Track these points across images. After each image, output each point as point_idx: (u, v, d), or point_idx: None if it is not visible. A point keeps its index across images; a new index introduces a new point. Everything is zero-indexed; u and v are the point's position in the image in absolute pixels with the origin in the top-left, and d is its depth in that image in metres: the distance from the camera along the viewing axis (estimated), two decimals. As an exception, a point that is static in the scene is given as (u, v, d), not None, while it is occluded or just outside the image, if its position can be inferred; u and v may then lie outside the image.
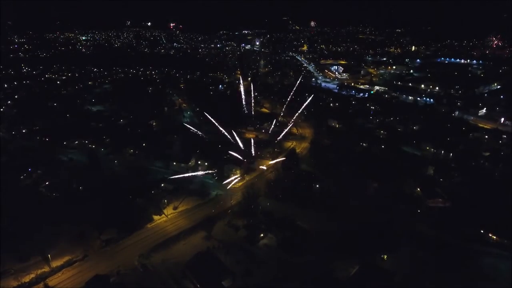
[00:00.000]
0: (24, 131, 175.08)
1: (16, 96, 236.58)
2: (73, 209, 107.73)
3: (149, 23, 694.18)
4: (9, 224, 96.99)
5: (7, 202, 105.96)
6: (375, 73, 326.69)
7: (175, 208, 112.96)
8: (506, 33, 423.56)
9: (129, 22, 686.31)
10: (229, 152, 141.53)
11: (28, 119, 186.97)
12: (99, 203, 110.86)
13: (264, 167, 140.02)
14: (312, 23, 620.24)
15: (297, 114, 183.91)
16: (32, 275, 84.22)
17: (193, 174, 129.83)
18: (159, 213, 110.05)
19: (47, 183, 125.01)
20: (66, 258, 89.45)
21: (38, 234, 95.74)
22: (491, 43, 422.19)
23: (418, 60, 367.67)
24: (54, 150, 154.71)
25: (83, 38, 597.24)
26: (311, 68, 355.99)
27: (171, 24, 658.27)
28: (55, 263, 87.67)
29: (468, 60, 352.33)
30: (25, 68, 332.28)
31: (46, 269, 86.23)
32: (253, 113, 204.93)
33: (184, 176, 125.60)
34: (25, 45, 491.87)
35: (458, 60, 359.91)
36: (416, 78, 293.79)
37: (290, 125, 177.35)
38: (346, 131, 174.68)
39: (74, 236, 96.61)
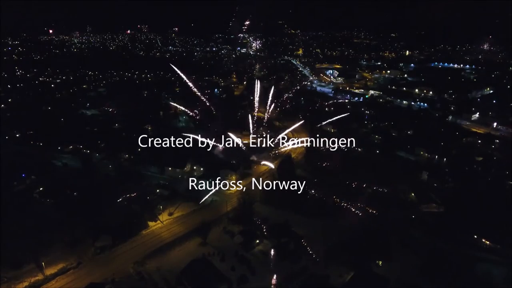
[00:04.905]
0: (17, 135, 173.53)
1: (9, 100, 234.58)
2: (67, 215, 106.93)
3: (140, 26, 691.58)
4: (1, 231, 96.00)
5: None
6: (369, 77, 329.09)
7: (170, 214, 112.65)
8: (498, 38, 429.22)
9: (124, 25, 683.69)
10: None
11: (22, 123, 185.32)
12: (94, 209, 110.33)
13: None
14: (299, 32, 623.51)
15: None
16: (26, 283, 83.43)
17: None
18: (154, 219, 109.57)
19: (41, 188, 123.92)
20: (60, 266, 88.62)
21: (31, 241, 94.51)
22: (481, 47, 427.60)
23: (412, 64, 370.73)
24: (48, 155, 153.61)
25: (77, 40, 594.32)
26: (306, 72, 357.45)
27: (175, 29, 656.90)
28: (49, 271, 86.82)
29: (461, 65, 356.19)
30: (18, 71, 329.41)
31: (39, 277, 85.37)
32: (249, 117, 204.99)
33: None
34: (19, 47, 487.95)
35: (451, 64, 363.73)
36: (410, 82, 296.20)
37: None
38: (341, 136, 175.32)
39: (68, 243, 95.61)
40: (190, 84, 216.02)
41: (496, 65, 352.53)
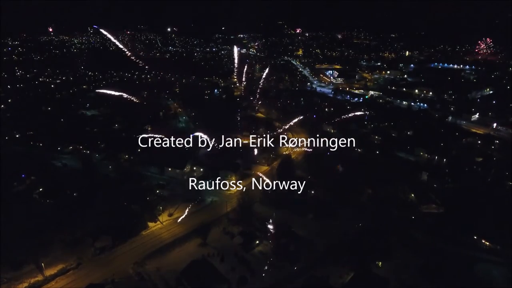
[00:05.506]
0: (17, 136, 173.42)
1: (9, 100, 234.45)
2: (66, 216, 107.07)
3: (140, 26, 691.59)
4: (1, 231, 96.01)
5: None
6: (369, 78, 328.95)
7: (170, 215, 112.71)
8: (498, 38, 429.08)
9: (124, 25, 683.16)
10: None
11: (22, 123, 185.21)
12: (93, 209, 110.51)
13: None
14: (298, 30, 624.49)
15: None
16: (25, 284, 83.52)
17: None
18: (154, 220, 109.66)
19: (40, 189, 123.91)
20: (59, 267, 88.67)
21: (31, 242, 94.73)
22: (482, 49, 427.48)
23: (412, 65, 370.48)
24: (48, 155, 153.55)
25: (77, 40, 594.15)
26: (306, 72, 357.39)
27: (175, 29, 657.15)
28: (49, 272, 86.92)
29: (461, 66, 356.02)
30: (18, 72, 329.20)
31: (39, 277, 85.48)
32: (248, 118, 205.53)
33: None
34: (19, 47, 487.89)
35: (451, 65, 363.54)
36: (410, 83, 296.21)
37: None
38: (341, 136, 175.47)
39: (67, 244, 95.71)
40: None
41: (496, 65, 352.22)
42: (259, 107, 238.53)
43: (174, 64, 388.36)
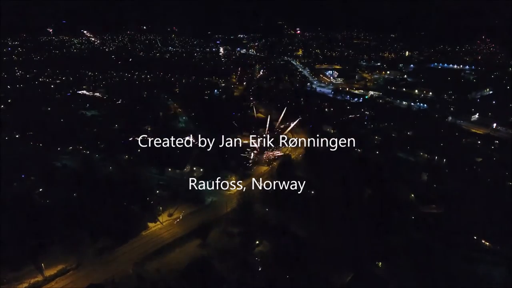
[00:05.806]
0: (17, 136, 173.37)
1: (9, 100, 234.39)
2: (66, 216, 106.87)
3: (139, 26, 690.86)
4: (1, 232, 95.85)
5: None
6: (369, 78, 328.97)
7: (170, 215, 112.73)
8: (498, 38, 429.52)
9: (123, 26, 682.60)
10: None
11: (22, 123, 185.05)
12: (93, 210, 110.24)
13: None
14: (298, 30, 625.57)
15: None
16: (25, 284, 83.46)
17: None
18: (154, 220, 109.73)
19: (40, 189, 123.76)
20: (59, 267, 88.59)
21: (30, 242, 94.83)
22: (482, 49, 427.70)
23: (411, 65, 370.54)
24: (48, 156, 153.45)
25: (77, 40, 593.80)
26: (306, 72, 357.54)
27: (175, 29, 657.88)
28: (48, 272, 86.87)
29: (461, 66, 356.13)
30: (18, 72, 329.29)
31: (39, 278, 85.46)
32: (248, 118, 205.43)
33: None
34: (18, 47, 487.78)
35: (451, 65, 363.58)
36: (409, 83, 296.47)
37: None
38: (341, 137, 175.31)
39: (67, 244, 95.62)
40: None
41: (496, 65, 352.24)
42: (256, 106, 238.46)
43: (174, 64, 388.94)
